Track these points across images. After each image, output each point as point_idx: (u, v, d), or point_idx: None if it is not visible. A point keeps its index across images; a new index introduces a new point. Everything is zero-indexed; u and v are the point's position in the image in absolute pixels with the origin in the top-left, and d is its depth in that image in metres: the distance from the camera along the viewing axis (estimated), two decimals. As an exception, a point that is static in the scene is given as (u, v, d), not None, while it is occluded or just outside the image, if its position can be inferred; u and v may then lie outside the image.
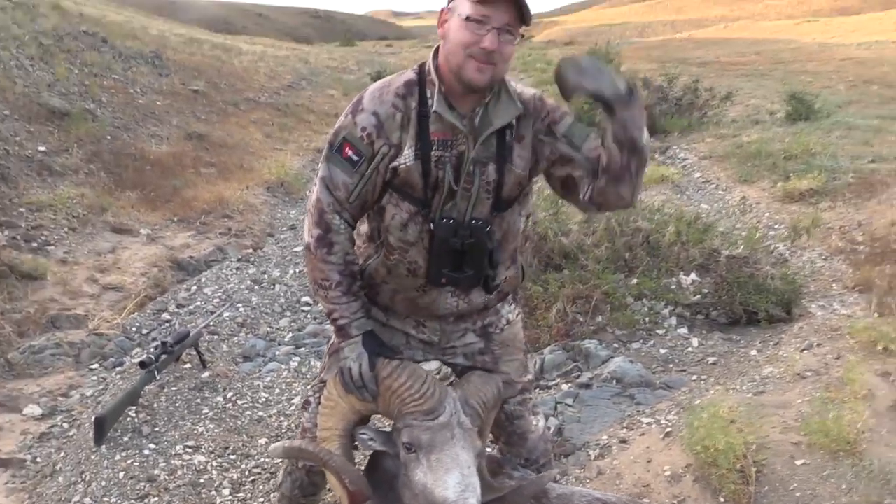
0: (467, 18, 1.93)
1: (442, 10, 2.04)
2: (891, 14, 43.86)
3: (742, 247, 5.11)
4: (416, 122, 2.07)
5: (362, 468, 2.32)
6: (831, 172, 7.75)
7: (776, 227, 6.88)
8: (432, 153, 2.07)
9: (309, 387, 2.77)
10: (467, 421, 2.11)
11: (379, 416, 2.33)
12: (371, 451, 2.33)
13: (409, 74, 2.12)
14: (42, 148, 7.64)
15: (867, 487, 2.83)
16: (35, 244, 5.97)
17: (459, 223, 2.13)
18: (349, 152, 2.06)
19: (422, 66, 2.13)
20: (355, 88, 18.33)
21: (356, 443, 2.25)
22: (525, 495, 2.28)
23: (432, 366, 3.23)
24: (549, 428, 3.23)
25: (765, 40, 36.16)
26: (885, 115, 11.45)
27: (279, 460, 2.97)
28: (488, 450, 2.93)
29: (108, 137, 8.71)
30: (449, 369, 2.68)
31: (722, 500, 3.00)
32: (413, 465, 2.05)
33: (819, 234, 6.44)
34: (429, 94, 2.07)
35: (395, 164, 2.07)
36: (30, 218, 6.37)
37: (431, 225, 2.13)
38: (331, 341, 2.46)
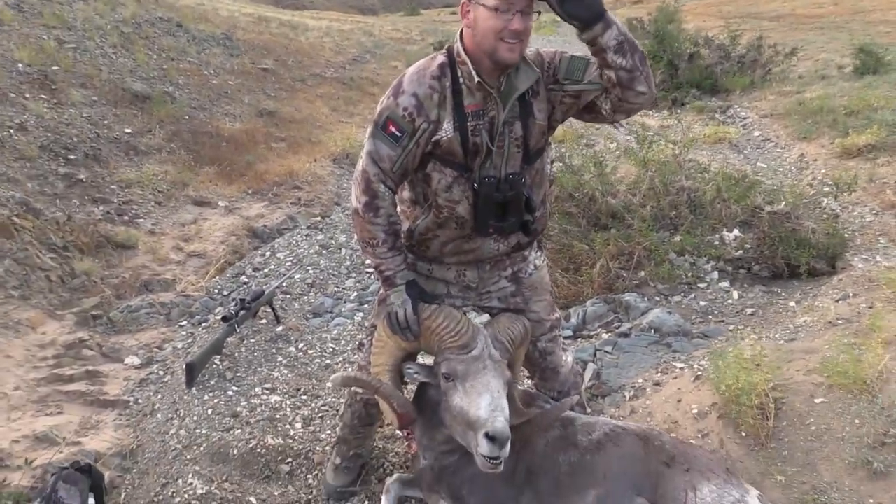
0: (495, 9, 2.25)
1: (463, 3, 2.35)
2: (985, -46, 41.02)
3: (784, 203, 5.24)
4: (452, 99, 2.41)
5: (410, 398, 2.73)
6: (892, 127, 7.66)
7: (831, 183, 6.91)
8: (468, 123, 2.42)
9: (363, 331, 3.20)
10: (497, 354, 2.49)
11: (422, 353, 2.72)
12: (417, 384, 2.74)
13: (441, 58, 2.44)
14: (128, 130, 8.30)
15: (876, 421, 3.06)
16: (126, 217, 6.61)
17: (499, 179, 2.50)
18: (392, 129, 2.39)
19: (450, 50, 2.46)
20: (420, 58, 18.60)
21: (404, 377, 2.66)
22: (550, 418, 2.65)
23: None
24: (577, 362, 3.57)
25: (845, -11, 34.52)
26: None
27: (343, 399, 3.40)
28: (524, 385, 3.31)
29: (186, 118, 9.33)
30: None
31: (743, 434, 3.27)
32: (451, 392, 2.44)
33: (873, 188, 6.47)
34: (459, 74, 2.41)
35: (437, 137, 2.42)
36: (120, 194, 7.01)
37: (475, 184, 2.50)
38: (380, 291, 2.85)
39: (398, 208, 2.69)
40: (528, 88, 2.44)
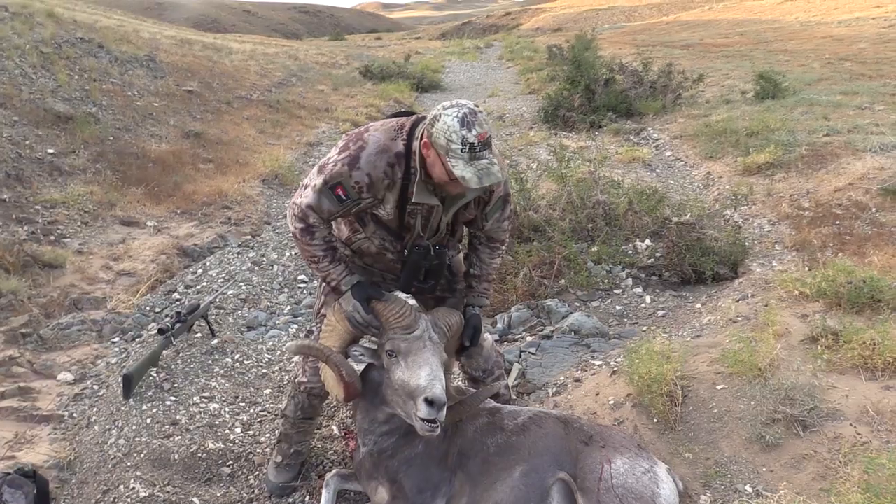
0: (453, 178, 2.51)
1: (425, 140, 2.56)
2: (871, -10, 44.25)
3: (690, 214, 5.68)
4: (399, 188, 2.69)
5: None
6: (787, 146, 8.31)
7: (732, 196, 7.45)
8: (408, 207, 2.74)
9: (310, 319, 3.41)
10: (436, 337, 2.76)
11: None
12: (362, 367, 2.96)
13: (399, 146, 2.66)
14: (51, 150, 8.19)
15: (768, 402, 3.42)
16: (52, 237, 6.53)
17: (427, 250, 2.86)
18: (339, 192, 2.66)
19: (409, 139, 2.67)
20: (345, 83, 18.82)
21: (349, 359, 2.89)
22: (479, 399, 2.91)
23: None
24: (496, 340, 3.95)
25: (748, 20, 36.57)
26: (849, 90, 11.98)
27: (281, 405, 3.55)
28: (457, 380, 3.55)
29: (111, 138, 9.25)
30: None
31: (654, 420, 3.59)
32: (394, 367, 2.70)
33: (771, 202, 7.02)
34: (413, 166, 2.65)
35: (377, 211, 2.76)
36: (45, 214, 6.92)
37: (405, 251, 2.87)
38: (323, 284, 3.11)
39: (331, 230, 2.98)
40: None
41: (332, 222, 2.93)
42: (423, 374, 2.56)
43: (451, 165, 2.44)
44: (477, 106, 2.52)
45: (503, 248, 3.17)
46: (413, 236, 2.83)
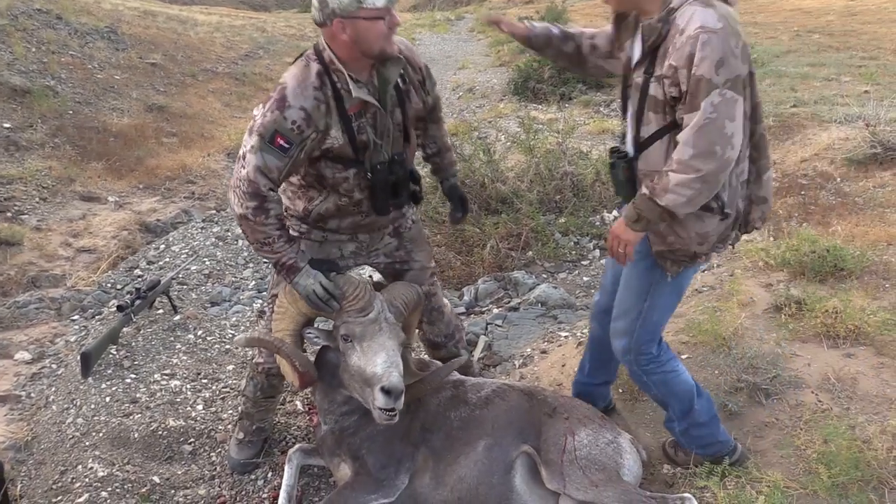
0: (378, 17, 2.42)
1: (334, 22, 2.44)
2: (840, -38, 44.49)
3: (657, 185, 5.66)
4: (336, 107, 2.56)
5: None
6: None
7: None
8: (353, 124, 2.60)
9: (264, 300, 3.32)
10: (392, 317, 2.68)
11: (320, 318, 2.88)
12: (317, 349, 2.89)
13: (315, 66, 2.54)
14: (7, 125, 7.95)
15: (731, 370, 3.44)
16: (9, 213, 6.36)
17: (388, 163, 2.71)
18: (280, 141, 2.46)
19: (320, 55, 2.56)
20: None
21: (304, 342, 2.81)
22: (441, 376, 2.86)
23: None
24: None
25: (718, -7, 36.65)
26: (816, 62, 12.04)
27: (244, 380, 3.48)
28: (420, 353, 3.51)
29: (70, 112, 9.00)
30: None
31: (620, 390, 3.59)
32: (349, 352, 2.61)
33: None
34: (336, 80, 2.55)
35: (327, 144, 2.58)
36: (1, 190, 6.73)
37: (369, 174, 2.68)
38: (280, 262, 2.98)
39: (285, 194, 2.85)
40: (401, 77, 2.69)
41: (284, 198, 2.83)
42: (380, 361, 2.48)
43: (368, 4, 2.39)
44: None
45: (441, 112, 3.17)
46: (371, 153, 2.66)
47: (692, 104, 2.17)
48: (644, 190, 2.34)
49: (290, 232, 2.74)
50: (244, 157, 2.50)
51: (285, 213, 2.79)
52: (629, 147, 2.51)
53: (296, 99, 2.47)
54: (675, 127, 2.31)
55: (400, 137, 2.77)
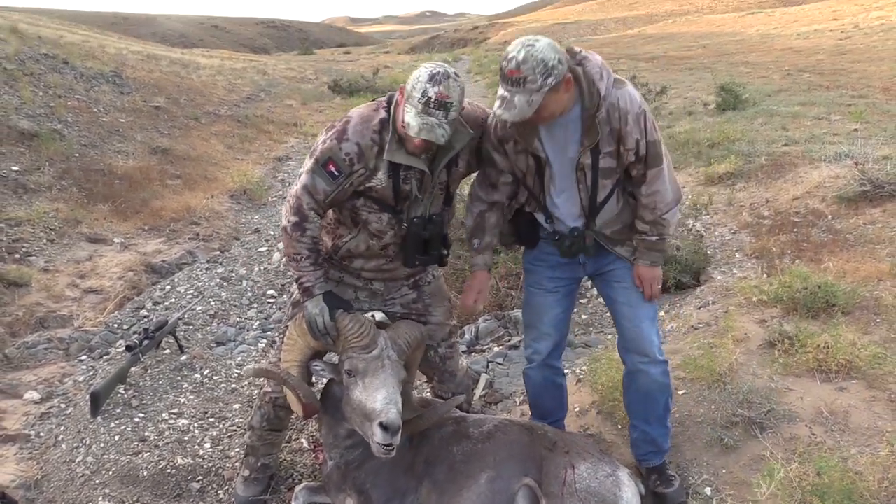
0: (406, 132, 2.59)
1: (400, 89, 2.65)
2: (829, 2, 45.50)
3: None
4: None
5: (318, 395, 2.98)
6: (747, 157, 8.51)
7: (695, 207, 7.62)
8: (400, 173, 2.75)
9: (275, 331, 3.42)
10: (394, 355, 2.79)
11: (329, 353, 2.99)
12: (324, 382, 3.00)
13: (382, 113, 2.72)
14: (15, 168, 8.11)
15: (727, 405, 3.53)
16: (17, 255, 6.47)
17: (425, 219, 2.87)
18: (332, 168, 2.69)
19: (389, 105, 2.73)
20: (314, 97, 18.85)
21: (312, 374, 2.93)
22: (439, 413, 2.96)
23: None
24: (469, 367, 3.99)
25: (711, 33, 37.39)
26: (807, 101, 12.32)
27: (252, 409, 3.57)
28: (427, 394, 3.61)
29: (77, 155, 9.18)
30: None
31: (619, 426, 3.67)
32: (352, 387, 2.72)
33: (732, 211, 7.20)
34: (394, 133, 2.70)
35: (371, 183, 2.75)
36: (10, 232, 6.85)
37: (405, 224, 2.85)
38: (293, 295, 3.13)
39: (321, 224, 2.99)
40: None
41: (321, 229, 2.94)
42: (380, 397, 2.59)
43: (404, 110, 2.54)
44: (457, 74, 2.59)
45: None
46: (410, 203, 2.82)
47: (653, 161, 2.71)
48: (653, 237, 2.89)
49: (320, 261, 2.86)
50: (300, 176, 2.75)
51: None
52: (574, 220, 2.90)
53: (354, 134, 2.67)
54: (619, 184, 2.84)
55: (441, 196, 2.92)
